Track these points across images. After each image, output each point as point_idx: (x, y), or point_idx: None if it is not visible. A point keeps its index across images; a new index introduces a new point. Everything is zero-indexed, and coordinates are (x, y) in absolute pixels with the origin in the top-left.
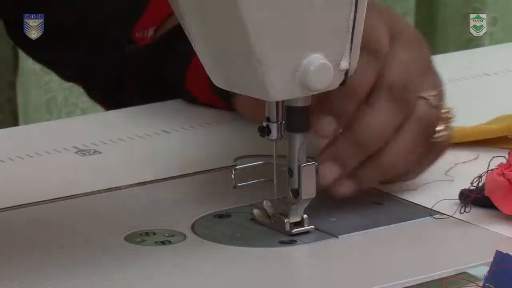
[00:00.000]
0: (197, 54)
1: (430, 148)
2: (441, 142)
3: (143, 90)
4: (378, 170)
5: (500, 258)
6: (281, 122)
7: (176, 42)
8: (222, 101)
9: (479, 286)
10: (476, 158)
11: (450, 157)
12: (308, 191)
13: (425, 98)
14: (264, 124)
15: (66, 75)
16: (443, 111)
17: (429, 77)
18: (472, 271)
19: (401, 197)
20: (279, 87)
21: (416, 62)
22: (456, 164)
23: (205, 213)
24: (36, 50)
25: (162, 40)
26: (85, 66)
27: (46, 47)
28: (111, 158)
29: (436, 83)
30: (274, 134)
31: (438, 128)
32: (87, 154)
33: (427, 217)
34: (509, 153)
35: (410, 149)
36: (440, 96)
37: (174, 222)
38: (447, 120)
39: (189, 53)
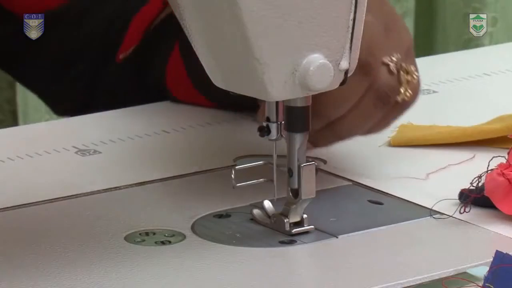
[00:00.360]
0: (197, 54)
1: (390, 109)
2: (403, 102)
3: (134, 98)
4: (333, 135)
5: (500, 258)
6: (280, 122)
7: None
8: (213, 101)
9: (479, 286)
10: (472, 158)
11: (446, 157)
12: (308, 191)
13: (386, 64)
14: (264, 124)
15: (61, 109)
16: (407, 71)
17: (394, 36)
18: (472, 271)
19: (401, 197)
20: (279, 87)
21: (378, 21)
22: (452, 164)
23: (205, 213)
24: (33, 83)
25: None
26: (83, 97)
27: (42, 79)
28: (111, 158)
29: (401, 42)
30: (274, 134)
31: (401, 90)
32: (87, 154)
33: (427, 217)
34: (508, 153)
35: (367, 117)
36: (405, 57)
37: (174, 222)
38: (409, 83)
39: (165, 59)
